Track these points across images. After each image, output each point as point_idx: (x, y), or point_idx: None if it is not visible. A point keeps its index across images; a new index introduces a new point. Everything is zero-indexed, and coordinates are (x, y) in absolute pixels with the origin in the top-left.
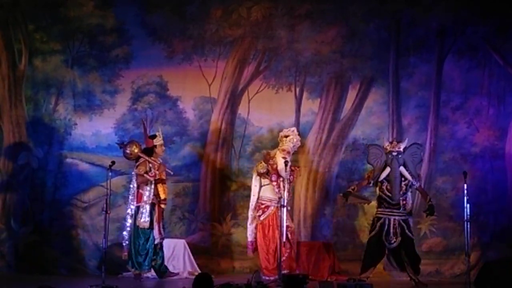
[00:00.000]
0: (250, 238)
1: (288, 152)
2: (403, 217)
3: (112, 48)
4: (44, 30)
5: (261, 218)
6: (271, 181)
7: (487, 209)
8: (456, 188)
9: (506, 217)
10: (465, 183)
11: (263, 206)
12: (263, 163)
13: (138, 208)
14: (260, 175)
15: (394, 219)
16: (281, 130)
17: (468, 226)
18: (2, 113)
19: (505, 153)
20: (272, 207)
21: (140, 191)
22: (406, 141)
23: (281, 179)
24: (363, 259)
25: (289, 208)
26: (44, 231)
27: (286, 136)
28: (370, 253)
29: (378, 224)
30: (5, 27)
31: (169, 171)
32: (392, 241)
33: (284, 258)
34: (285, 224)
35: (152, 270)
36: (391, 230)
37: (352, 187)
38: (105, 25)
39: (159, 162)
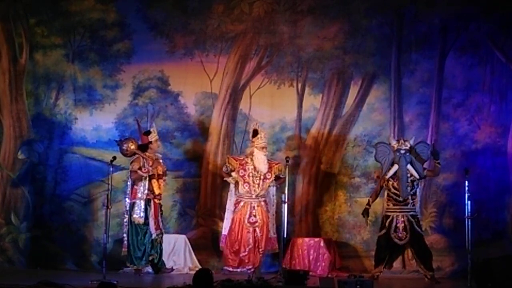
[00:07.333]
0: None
1: (266, 148)
2: (411, 213)
3: (113, 43)
4: (45, 24)
5: (233, 213)
6: (239, 176)
7: (488, 206)
8: (457, 185)
9: (507, 214)
10: (467, 180)
11: (235, 202)
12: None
13: (133, 204)
14: (226, 175)
15: (403, 216)
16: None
17: (469, 223)
18: (2, 108)
19: (506, 150)
20: (242, 203)
21: (135, 187)
22: (413, 139)
23: (247, 174)
24: (374, 256)
25: (263, 203)
26: (44, 226)
27: (257, 134)
28: (380, 250)
29: (387, 222)
30: (6, 20)
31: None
32: (403, 238)
33: (245, 253)
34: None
35: (150, 265)
36: (401, 226)
37: (369, 199)
38: (106, 20)
39: (154, 158)
